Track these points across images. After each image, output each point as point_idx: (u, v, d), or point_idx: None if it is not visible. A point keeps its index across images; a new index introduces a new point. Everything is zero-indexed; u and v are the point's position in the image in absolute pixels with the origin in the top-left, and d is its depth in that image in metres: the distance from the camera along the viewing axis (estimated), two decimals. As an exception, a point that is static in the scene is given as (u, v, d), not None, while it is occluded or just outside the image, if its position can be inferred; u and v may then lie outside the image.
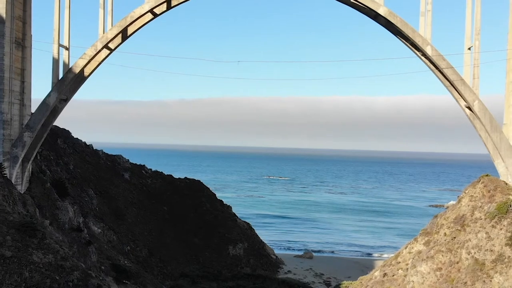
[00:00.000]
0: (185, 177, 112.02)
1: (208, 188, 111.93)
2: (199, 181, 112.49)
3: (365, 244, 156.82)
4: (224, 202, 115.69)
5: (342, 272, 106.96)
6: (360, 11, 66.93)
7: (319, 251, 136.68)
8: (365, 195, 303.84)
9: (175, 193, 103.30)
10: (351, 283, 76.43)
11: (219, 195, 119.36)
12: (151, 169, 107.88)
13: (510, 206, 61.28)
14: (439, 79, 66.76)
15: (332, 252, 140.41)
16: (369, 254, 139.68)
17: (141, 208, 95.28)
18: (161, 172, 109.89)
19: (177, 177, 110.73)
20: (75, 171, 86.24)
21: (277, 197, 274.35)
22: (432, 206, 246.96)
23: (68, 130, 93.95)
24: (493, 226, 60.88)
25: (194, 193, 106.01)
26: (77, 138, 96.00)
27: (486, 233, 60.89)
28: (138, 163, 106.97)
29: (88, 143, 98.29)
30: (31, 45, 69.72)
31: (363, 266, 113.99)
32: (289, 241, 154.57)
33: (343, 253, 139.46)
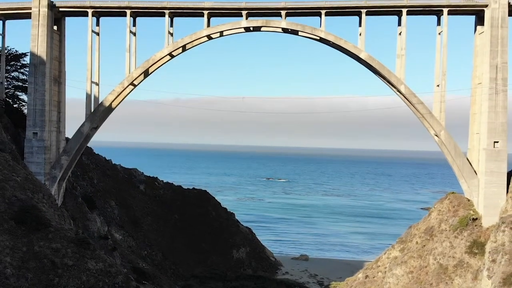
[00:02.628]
0: (193, 188, 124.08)
1: (214, 198, 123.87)
2: (205, 191, 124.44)
3: (358, 247, 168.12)
4: (228, 209, 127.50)
5: (335, 273, 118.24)
6: (346, 54, 78.93)
7: (314, 254, 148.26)
8: (360, 197, 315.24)
9: (184, 202, 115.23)
10: (339, 284, 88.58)
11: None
12: (162, 181, 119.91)
13: (470, 220, 73.44)
14: (412, 111, 78.83)
15: (327, 254, 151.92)
16: (361, 257, 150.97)
17: (155, 217, 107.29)
18: (172, 183, 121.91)
19: (186, 188, 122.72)
20: (99, 185, 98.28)
21: (276, 200, 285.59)
22: (424, 209, 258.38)
23: (90, 147, 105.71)
24: (455, 237, 73.01)
25: (202, 202, 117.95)
26: (98, 154, 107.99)
27: (450, 242, 73.03)
28: (151, 176, 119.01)
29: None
30: (65, 81, 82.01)
31: (354, 267, 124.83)
32: (286, 241, 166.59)
33: (336, 256, 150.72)
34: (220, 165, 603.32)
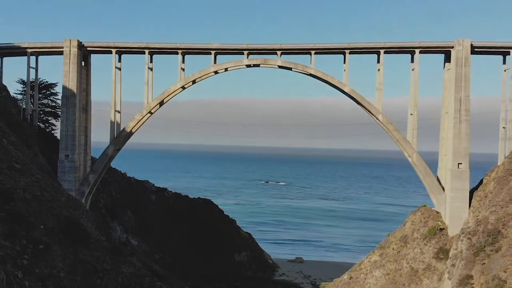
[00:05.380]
0: (199, 197, 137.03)
1: (217, 206, 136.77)
2: (209, 200, 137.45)
3: (350, 250, 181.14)
4: (229, 215, 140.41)
5: (327, 274, 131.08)
6: (332, 87, 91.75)
7: (309, 256, 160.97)
8: (355, 201, 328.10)
9: (191, 211, 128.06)
10: (327, 284, 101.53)
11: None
12: (171, 191, 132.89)
13: (438, 229, 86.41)
14: (390, 136, 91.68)
15: (320, 257, 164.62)
16: (352, 259, 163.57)
17: (165, 224, 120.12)
18: (179, 193, 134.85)
19: (192, 197, 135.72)
20: (116, 197, 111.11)
21: (274, 204, 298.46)
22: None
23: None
24: (425, 244, 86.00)
25: (206, 210, 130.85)
26: (115, 169, 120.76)
27: (420, 249, 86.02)
28: (161, 187, 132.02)
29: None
30: (91, 109, 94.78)
31: (345, 269, 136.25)
32: (283, 245, 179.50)
33: (330, 258, 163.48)
34: (217, 167, 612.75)
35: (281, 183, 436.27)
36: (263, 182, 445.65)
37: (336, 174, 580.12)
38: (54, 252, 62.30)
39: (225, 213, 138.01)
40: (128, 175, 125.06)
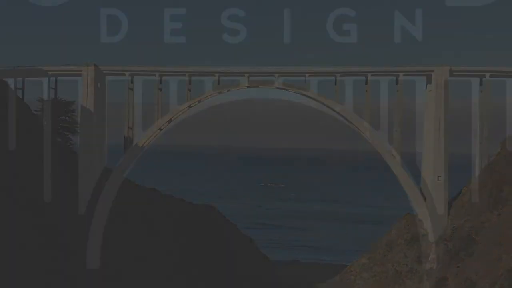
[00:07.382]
0: (203, 204, 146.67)
1: (219, 211, 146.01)
2: (211, 205, 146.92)
3: (348, 252, 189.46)
4: (230, 218, 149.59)
5: (322, 276, 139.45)
6: (325, 106, 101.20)
7: (306, 258, 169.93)
8: (353, 203, 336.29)
9: (195, 216, 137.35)
10: (321, 285, 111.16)
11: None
12: (177, 197, 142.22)
13: (420, 236, 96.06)
14: (376, 150, 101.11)
15: (318, 258, 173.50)
16: (348, 261, 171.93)
17: (172, 228, 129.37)
18: (184, 199, 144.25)
19: (196, 203, 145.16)
20: (128, 204, 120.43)
21: (273, 206, 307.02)
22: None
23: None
24: (408, 249, 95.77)
25: (209, 215, 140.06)
26: (125, 178, 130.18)
27: (404, 253, 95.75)
28: (167, 194, 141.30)
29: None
30: (106, 125, 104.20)
31: (340, 270, 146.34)
32: (281, 246, 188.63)
33: (326, 260, 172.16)
34: (216, 169, 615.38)
35: (280, 186, 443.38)
36: (262, 184, 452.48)
37: (334, 175, 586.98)
38: (83, 257, 72.01)
39: (226, 217, 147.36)
40: (136, 183, 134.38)
